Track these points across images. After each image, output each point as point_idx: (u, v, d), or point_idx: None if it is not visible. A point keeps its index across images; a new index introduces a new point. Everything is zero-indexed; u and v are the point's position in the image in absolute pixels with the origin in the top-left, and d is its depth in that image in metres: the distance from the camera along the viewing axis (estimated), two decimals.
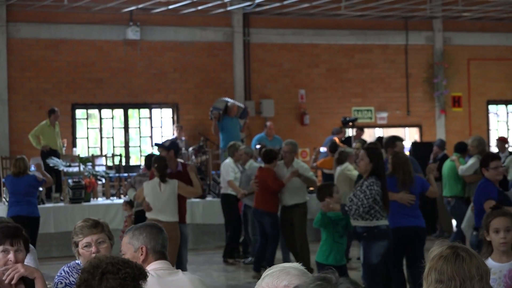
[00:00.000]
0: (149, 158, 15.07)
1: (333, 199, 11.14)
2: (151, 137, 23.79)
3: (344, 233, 11.20)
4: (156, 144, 16.15)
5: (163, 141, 15.67)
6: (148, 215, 13.28)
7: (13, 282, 6.12)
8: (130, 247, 5.95)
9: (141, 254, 5.90)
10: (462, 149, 16.80)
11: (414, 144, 21.75)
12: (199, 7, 22.35)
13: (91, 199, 18.88)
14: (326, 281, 2.56)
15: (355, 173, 16.03)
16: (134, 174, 18.45)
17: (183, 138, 22.14)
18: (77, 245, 6.40)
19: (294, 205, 15.02)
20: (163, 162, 13.37)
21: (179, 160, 14.21)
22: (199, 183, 13.72)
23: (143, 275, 4.68)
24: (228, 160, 16.99)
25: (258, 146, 19.74)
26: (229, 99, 21.45)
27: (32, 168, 16.92)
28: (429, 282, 4.54)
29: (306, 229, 15.24)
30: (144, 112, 23.87)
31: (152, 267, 5.80)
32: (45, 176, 15.53)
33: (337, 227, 11.13)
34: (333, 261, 11.07)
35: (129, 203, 15.50)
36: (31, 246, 6.59)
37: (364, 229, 10.81)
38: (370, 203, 10.67)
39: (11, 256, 6.18)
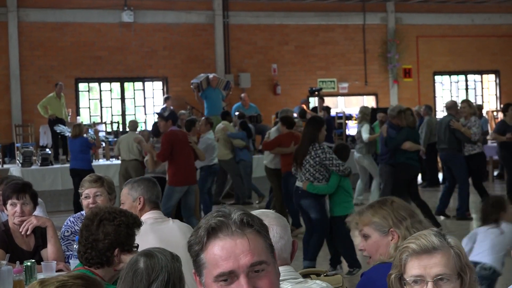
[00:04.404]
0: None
1: None
2: (144, 106, 23.74)
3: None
4: (156, 113, 16.09)
5: (163, 111, 15.40)
6: None
7: (28, 232, 6.14)
8: (129, 197, 5.95)
9: (139, 204, 5.91)
10: None
11: (372, 109, 21.76)
12: None
13: (94, 160, 18.81)
14: (222, 210, 2.60)
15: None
16: None
17: (171, 107, 22.04)
18: (81, 195, 6.45)
19: None
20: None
21: (173, 128, 13.51)
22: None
23: (137, 224, 4.71)
24: None
25: (237, 113, 19.75)
26: (209, 74, 21.38)
27: (90, 131, 18.00)
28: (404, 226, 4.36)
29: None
30: (138, 85, 23.78)
31: (147, 216, 5.82)
32: (96, 141, 17.13)
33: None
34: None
35: None
36: (39, 199, 6.59)
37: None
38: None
39: (17, 208, 6.18)
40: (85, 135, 16.39)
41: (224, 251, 2.52)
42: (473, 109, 14.72)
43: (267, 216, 3.72)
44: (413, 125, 14.06)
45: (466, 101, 15.17)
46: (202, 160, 13.88)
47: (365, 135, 16.70)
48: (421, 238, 2.95)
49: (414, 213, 4.34)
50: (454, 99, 26.87)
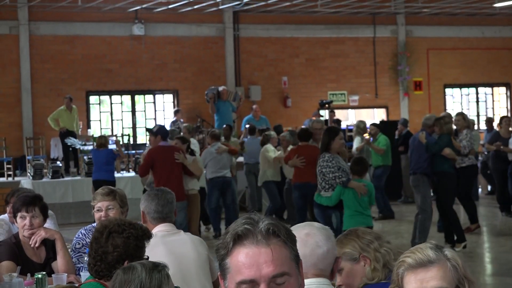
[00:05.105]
0: None
1: None
2: (155, 119, 23.78)
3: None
4: (146, 129, 16.07)
5: (153, 126, 14.84)
6: None
7: (37, 245, 6.16)
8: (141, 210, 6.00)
9: (142, 218, 5.95)
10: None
11: (382, 122, 21.77)
12: (195, 6, 22.31)
13: None
14: (251, 218, 2.64)
15: (272, 154, 15.94)
16: (141, 151, 18.52)
17: (181, 120, 22.08)
18: (93, 208, 6.47)
19: None
20: None
21: (162, 143, 12.67)
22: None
23: (147, 236, 4.72)
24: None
25: (247, 126, 19.78)
26: (219, 87, 21.40)
27: (111, 142, 18.09)
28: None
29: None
30: (149, 97, 23.85)
31: (158, 229, 5.85)
32: (120, 151, 16.95)
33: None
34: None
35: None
36: (50, 212, 6.61)
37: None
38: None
39: (27, 221, 6.21)
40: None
41: (247, 259, 2.58)
42: (467, 122, 14.67)
43: (312, 225, 3.91)
44: (451, 132, 13.44)
45: (461, 114, 15.10)
46: (197, 175, 13.39)
47: (355, 146, 17.25)
48: (417, 252, 2.96)
49: (379, 236, 4.51)
50: (465, 111, 26.86)
